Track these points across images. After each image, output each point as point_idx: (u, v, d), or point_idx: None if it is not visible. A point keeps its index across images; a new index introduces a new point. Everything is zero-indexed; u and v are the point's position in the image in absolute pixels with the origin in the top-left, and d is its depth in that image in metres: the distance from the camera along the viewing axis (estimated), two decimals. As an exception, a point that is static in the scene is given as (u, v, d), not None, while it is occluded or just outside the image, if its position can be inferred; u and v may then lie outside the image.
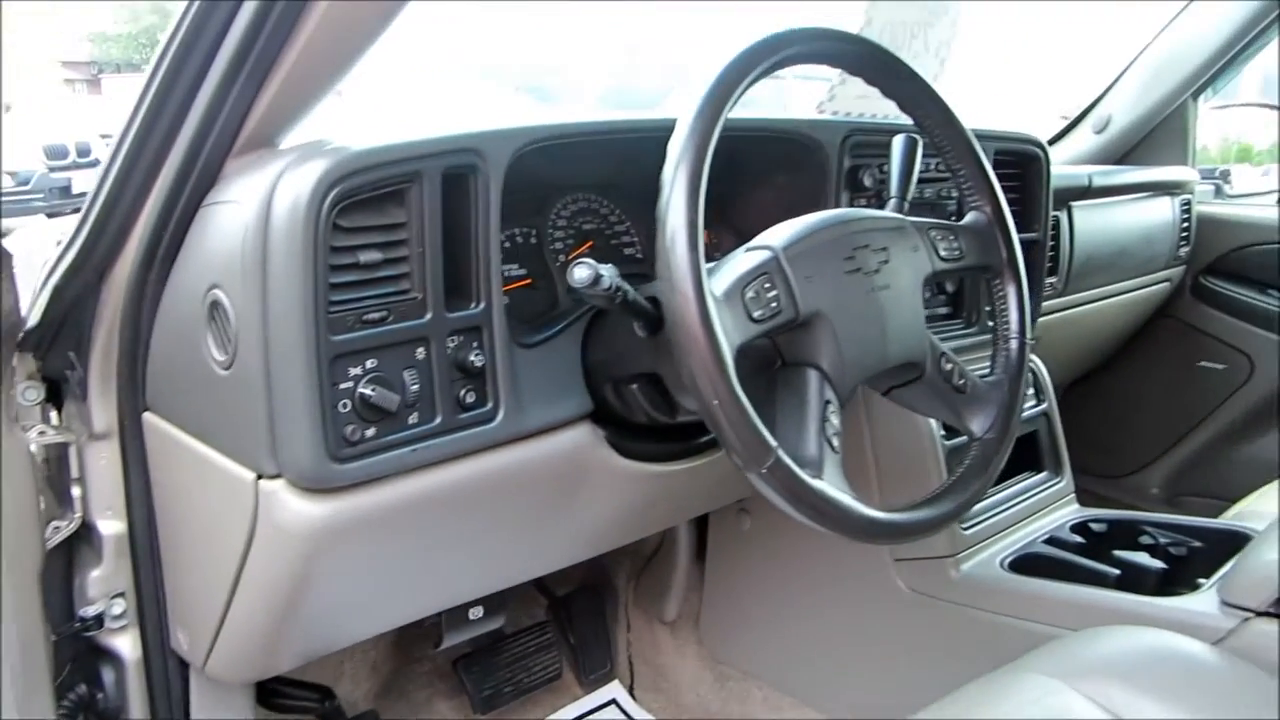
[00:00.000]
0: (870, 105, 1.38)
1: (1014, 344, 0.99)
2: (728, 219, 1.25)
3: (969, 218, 1.00)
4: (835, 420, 0.83)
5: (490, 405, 0.89)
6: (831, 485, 0.78)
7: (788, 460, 0.75)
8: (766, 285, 0.80)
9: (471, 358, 0.86)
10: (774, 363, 0.86)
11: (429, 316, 0.83)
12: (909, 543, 1.27)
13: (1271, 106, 2.27)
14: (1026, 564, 1.28)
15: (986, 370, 1.00)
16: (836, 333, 0.83)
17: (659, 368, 0.93)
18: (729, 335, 0.74)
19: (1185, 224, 1.97)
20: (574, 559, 1.22)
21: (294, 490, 0.79)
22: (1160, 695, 0.88)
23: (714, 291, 0.76)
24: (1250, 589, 1.01)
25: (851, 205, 1.24)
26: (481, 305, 0.87)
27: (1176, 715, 0.85)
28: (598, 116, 0.97)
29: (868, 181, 1.23)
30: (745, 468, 0.74)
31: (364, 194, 0.77)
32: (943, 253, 0.95)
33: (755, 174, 1.22)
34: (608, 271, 0.80)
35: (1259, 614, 1.00)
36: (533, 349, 0.95)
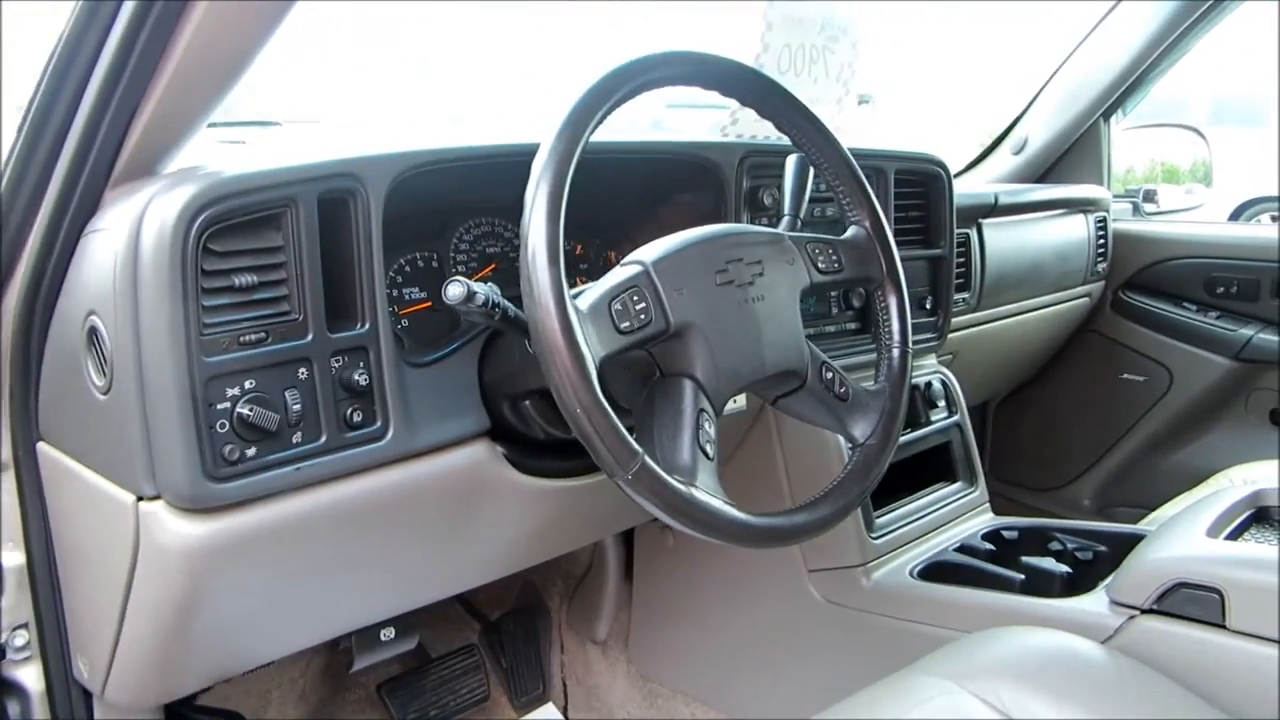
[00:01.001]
0: (773, 128, 1.41)
1: (896, 353, 1.02)
2: (633, 238, 1.28)
3: (849, 232, 1.04)
4: (710, 428, 0.85)
5: (379, 424, 0.90)
6: (704, 491, 0.81)
7: (653, 465, 0.77)
8: (634, 298, 0.82)
9: (357, 377, 0.87)
10: (654, 374, 0.89)
11: (310, 337, 0.84)
12: (802, 545, 1.29)
13: (1190, 128, 2.35)
14: (936, 571, 1.31)
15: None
16: (709, 343, 0.86)
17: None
18: (593, 347, 0.77)
19: (1101, 240, 2.03)
20: (488, 577, 1.23)
21: (173, 511, 0.80)
22: (1048, 693, 0.90)
23: (579, 305, 0.78)
24: (1135, 587, 1.04)
25: (752, 223, 1.28)
26: (366, 326, 0.89)
27: (1064, 713, 0.87)
28: (481, 141, 0.99)
29: (767, 201, 1.27)
30: (611, 474, 0.76)
31: (236, 219, 0.79)
32: (821, 266, 0.98)
33: (659, 195, 1.26)
34: (482, 288, 0.82)
35: (1143, 611, 1.03)
36: (426, 368, 0.97)
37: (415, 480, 0.95)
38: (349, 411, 0.88)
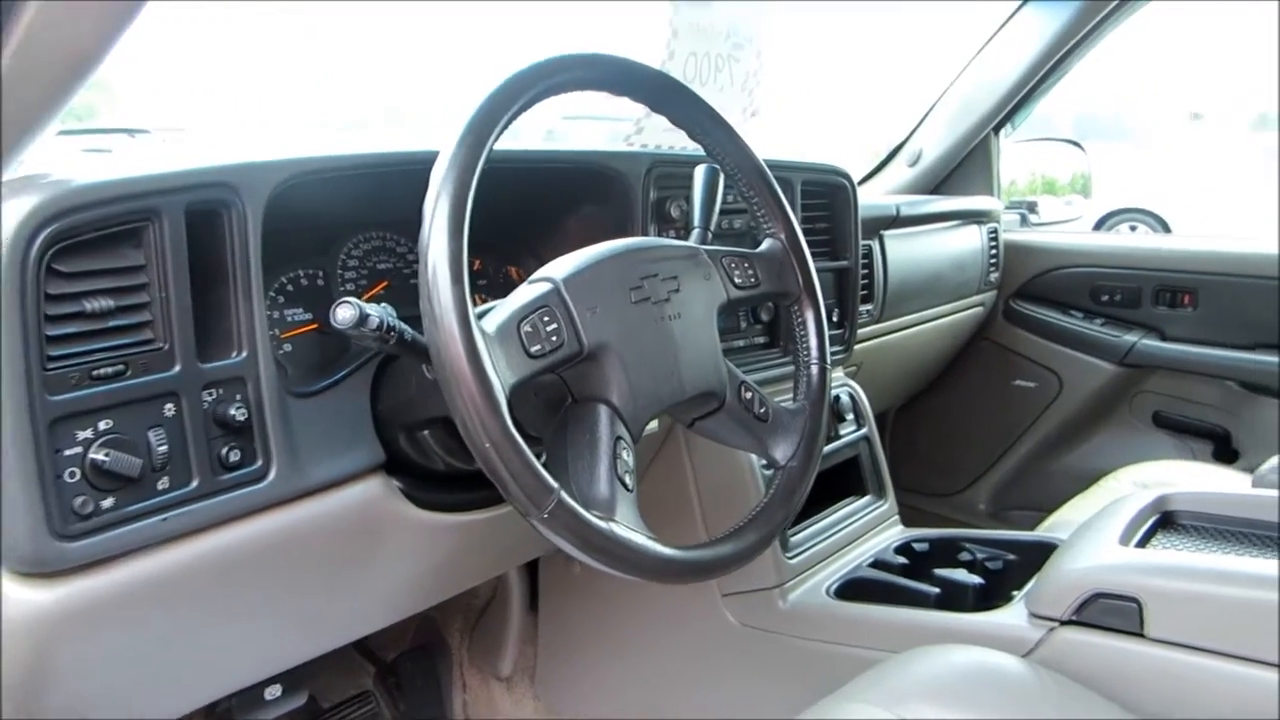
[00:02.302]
0: (680, 137, 1.37)
1: (814, 370, 0.99)
2: (536, 253, 1.22)
3: (764, 245, 1.00)
4: (628, 457, 0.79)
5: (260, 463, 0.81)
6: (624, 526, 0.75)
7: (571, 502, 0.71)
8: (545, 318, 0.76)
9: (233, 412, 0.78)
10: (565, 400, 0.82)
11: (177, 369, 0.75)
12: (724, 576, 1.25)
13: (1072, 142, 2.44)
14: (852, 589, 1.28)
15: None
16: (625, 365, 0.80)
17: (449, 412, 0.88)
18: (501, 373, 0.70)
19: (993, 251, 2.07)
20: (387, 620, 1.14)
21: (14, 577, 0.69)
22: (976, 713, 0.88)
23: (485, 328, 0.71)
24: (1053, 599, 1.04)
25: (660, 236, 1.23)
26: (243, 354, 0.80)
27: None
28: (373, 148, 0.91)
29: (674, 213, 1.22)
30: (525, 513, 0.70)
31: (88, 234, 0.69)
32: (737, 280, 0.94)
33: (563, 207, 1.20)
34: (376, 310, 0.74)
35: (1063, 623, 1.02)
36: (312, 398, 0.88)
37: (303, 523, 0.86)
38: (224, 451, 0.78)
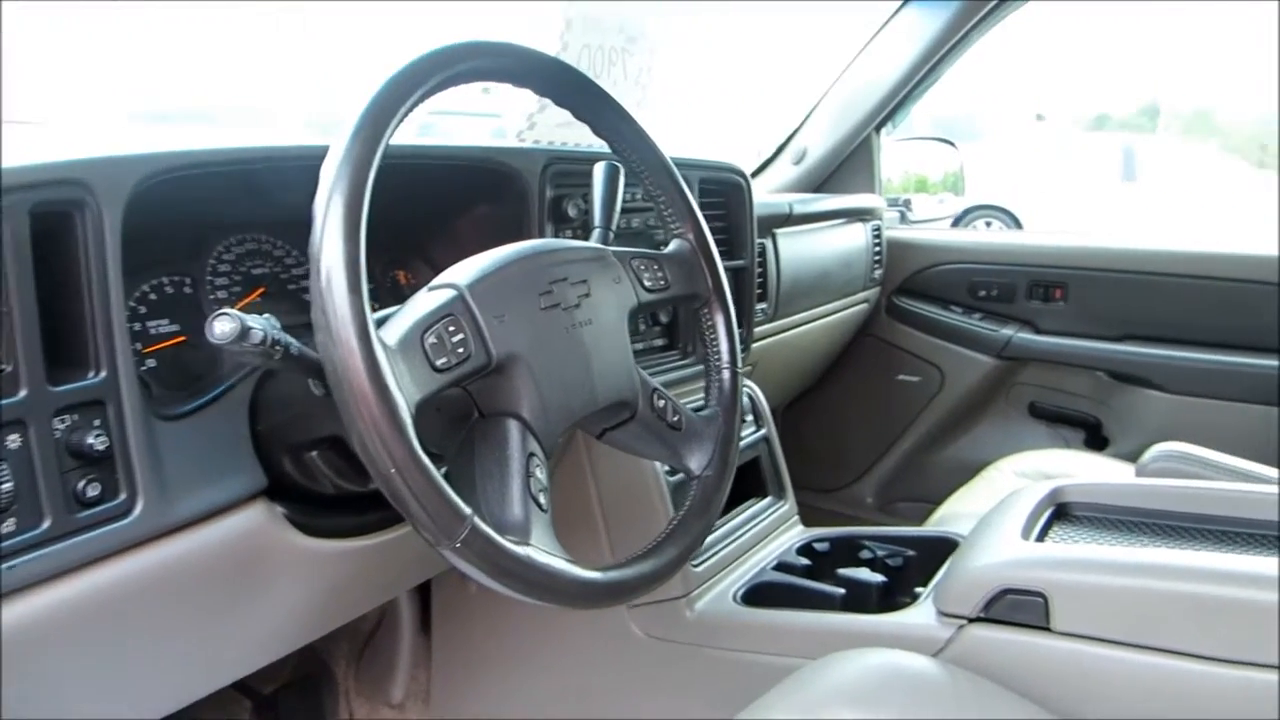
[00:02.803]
0: (574, 134, 1.33)
1: (726, 374, 0.96)
2: (427, 255, 1.15)
3: (672, 246, 0.96)
4: (541, 475, 0.74)
5: (124, 496, 0.72)
6: (540, 550, 0.70)
7: (485, 528, 0.65)
8: (451, 329, 0.70)
9: (91, 440, 0.69)
10: (471, 415, 0.76)
11: (23, 393, 0.65)
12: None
13: (946, 141, 2.51)
14: (758, 594, 1.26)
15: (701, 403, 0.96)
16: (536, 376, 0.75)
17: (343, 430, 0.80)
18: (406, 390, 0.64)
19: (877, 248, 2.11)
20: (273, 657, 1.05)
21: None
22: (892, 714, 0.88)
23: (386, 340, 0.65)
24: (961, 597, 1.04)
25: (556, 236, 1.18)
26: (102, 374, 0.70)
27: None
28: (245, 142, 0.83)
29: (571, 212, 1.18)
30: (436, 544, 0.64)
31: None
32: (647, 283, 0.90)
33: (454, 206, 1.13)
34: (259, 323, 0.67)
35: (971, 620, 1.03)
36: (182, 420, 0.79)
37: (177, 560, 0.77)
38: (81, 485, 0.69)
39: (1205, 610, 0.90)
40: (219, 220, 0.96)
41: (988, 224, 7.11)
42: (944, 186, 2.76)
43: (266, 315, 0.68)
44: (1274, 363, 1.82)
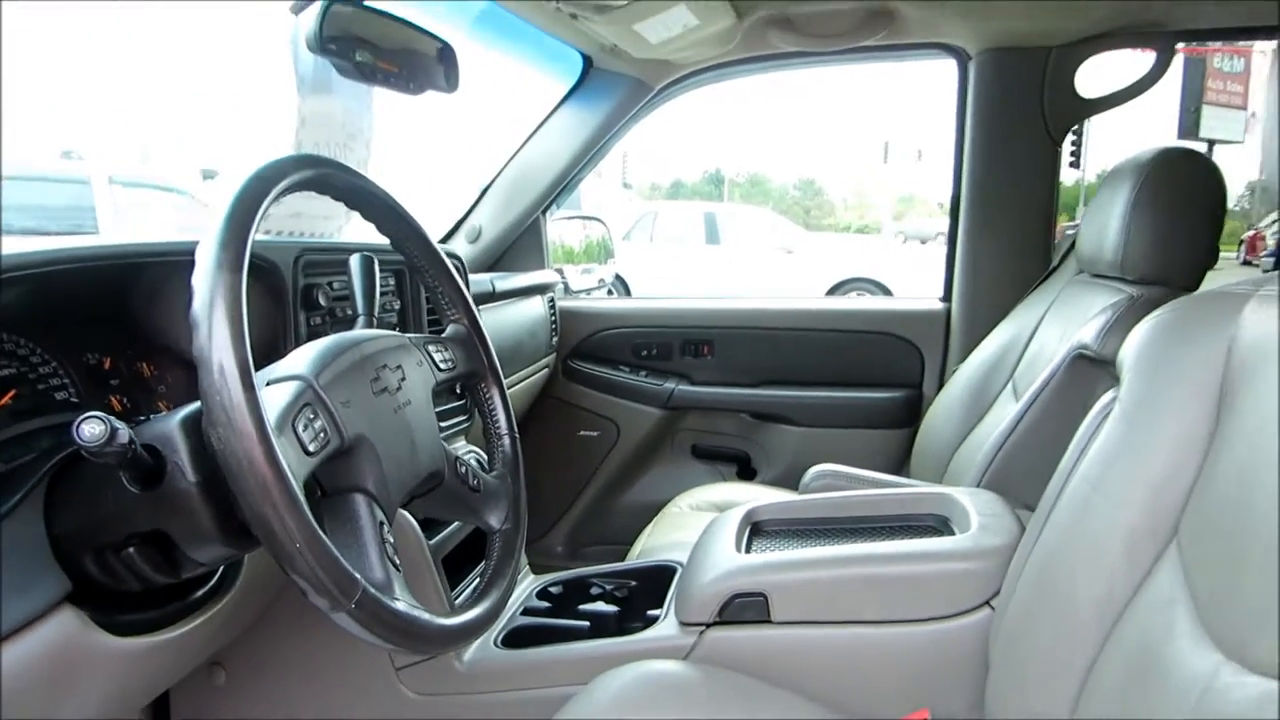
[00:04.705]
0: (303, 224, 1.38)
1: (506, 441, 1.09)
2: (172, 347, 1.14)
3: (450, 330, 1.08)
4: (391, 539, 0.82)
5: None
6: (407, 603, 0.78)
7: (372, 590, 0.73)
8: (310, 415, 0.77)
9: None
10: (313, 494, 0.83)
11: None
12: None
13: (596, 219, 2.80)
14: (516, 637, 1.38)
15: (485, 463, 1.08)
16: (379, 454, 0.84)
17: (164, 524, 0.82)
18: (295, 472, 0.70)
19: (554, 317, 2.33)
20: None
21: None
22: (665, 711, 1.05)
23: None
24: (699, 608, 1.25)
25: (309, 324, 1.23)
26: None
27: None
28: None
29: (322, 300, 1.24)
30: (334, 608, 0.71)
31: None
32: (440, 364, 1.02)
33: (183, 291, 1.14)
34: (122, 425, 0.70)
35: (709, 625, 1.24)
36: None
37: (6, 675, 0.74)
38: None
39: (880, 585, 1.20)
40: None
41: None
42: (588, 257, 3.08)
43: (113, 418, 0.71)
44: (884, 395, 2.29)
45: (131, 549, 0.85)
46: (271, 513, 0.67)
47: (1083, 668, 0.88)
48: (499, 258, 2.37)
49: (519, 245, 2.37)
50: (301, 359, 0.83)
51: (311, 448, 0.75)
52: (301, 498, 0.69)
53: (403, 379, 0.92)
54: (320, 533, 0.69)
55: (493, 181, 2.32)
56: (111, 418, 0.68)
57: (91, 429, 0.66)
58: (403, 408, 0.90)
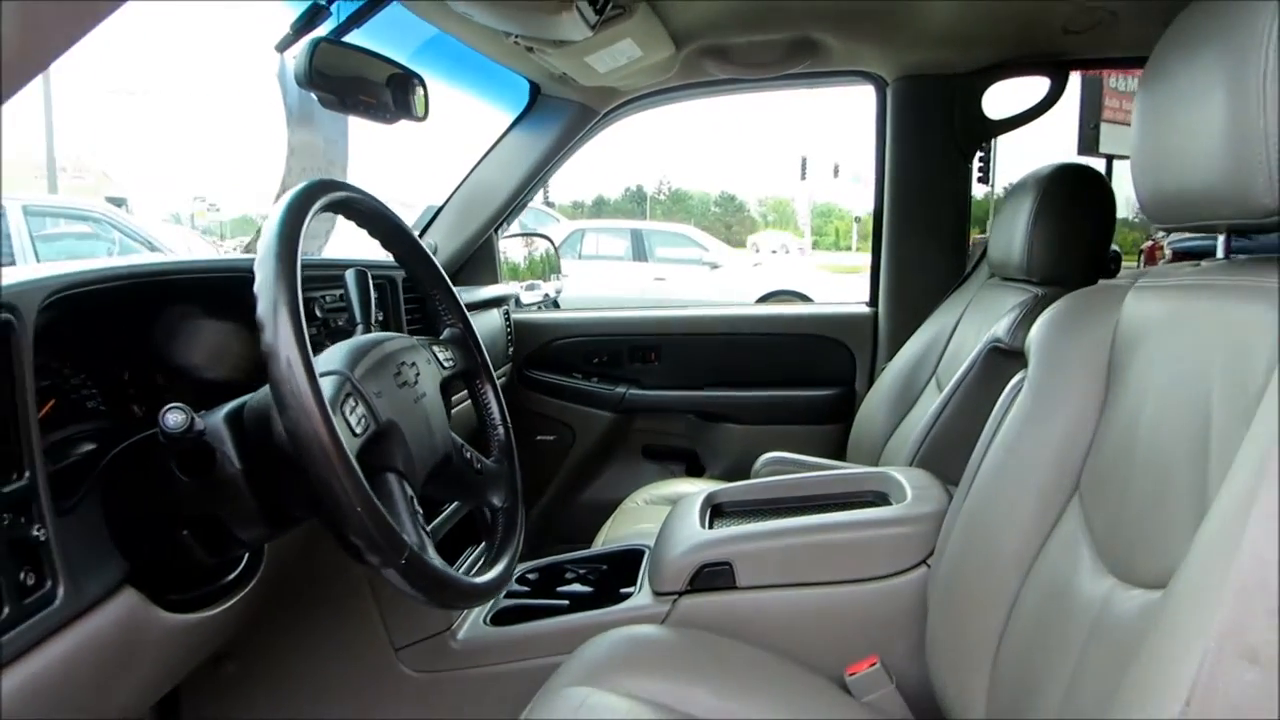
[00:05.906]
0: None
1: (501, 430, 1.23)
2: (176, 358, 1.23)
3: (447, 333, 1.21)
4: (421, 512, 0.95)
5: (50, 584, 0.79)
6: (441, 563, 0.91)
7: (417, 550, 0.86)
8: (354, 403, 0.89)
9: (35, 533, 0.77)
10: None
11: None
12: (395, 628, 1.39)
13: (544, 236, 2.93)
14: (504, 616, 1.51)
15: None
16: (406, 438, 0.96)
17: (216, 508, 0.93)
18: (351, 448, 0.83)
19: (509, 329, 2.46)
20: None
21: None
22: (649, 670, 1.18)
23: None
24: (671, 579, 1.39)
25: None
26: (27, 475, 0.78)
27: (670, 681, 1.16)
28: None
29: (318, 312, 1.35)
30: (385, 564, 0.83)
31: None
32: (445, 363, 1.15)
33: (197, 315, 1.23)
34: (198, 415, 0.81)
35: (681, 594, 1.38)
36: (70, 514, 0.87)
37: (79, 647, 0.84)
38: (23, 575, 0.76)
39: (831, 551, 1.36)
40: None
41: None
42: (532, 273, 3.21)
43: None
44: (819, 392, 2.47)
45: (186, 531, 0.96)
46: (335, 480, 0.79)
47: (1005, 606, 1.05)
48: (454, 274, 2.49)
49: (473, 261, 2.49)
50: (337, 356, 0.95)
51: (357, 430, 0.87)
52: (358, 468, 0.81)
53: (418, 374, 1.05)
54: (375, 498, 0.82)
55: (447, 202, 2.43)
56: (188, 408, 0.79)
57: (175, 418, 0.78)
58: (420, 399, 1.03)
